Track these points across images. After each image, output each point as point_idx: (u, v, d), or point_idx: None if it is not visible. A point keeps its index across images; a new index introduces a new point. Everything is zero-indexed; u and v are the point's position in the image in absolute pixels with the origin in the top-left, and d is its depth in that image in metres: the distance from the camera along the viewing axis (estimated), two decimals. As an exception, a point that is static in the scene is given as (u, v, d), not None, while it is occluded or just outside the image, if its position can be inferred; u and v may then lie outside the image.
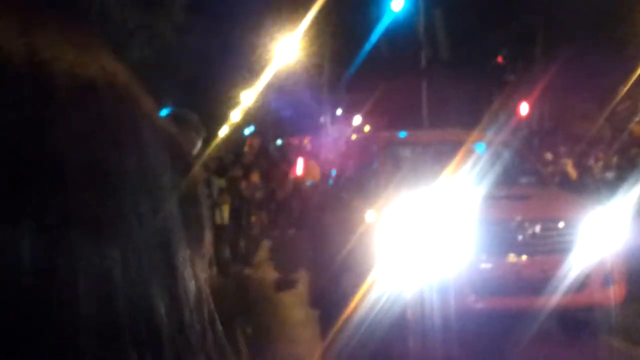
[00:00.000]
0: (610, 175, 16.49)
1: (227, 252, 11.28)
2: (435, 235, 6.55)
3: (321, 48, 27.78)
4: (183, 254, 0.45)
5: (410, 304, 6.51)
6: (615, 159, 17.80)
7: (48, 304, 0.38)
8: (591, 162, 18.11)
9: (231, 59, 25.96)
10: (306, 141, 25.97)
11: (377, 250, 7.03)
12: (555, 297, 6.30)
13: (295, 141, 27.20)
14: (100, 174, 0.41)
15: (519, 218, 6.49)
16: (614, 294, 6.52)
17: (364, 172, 8.28)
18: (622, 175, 15.80)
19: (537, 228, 6.46)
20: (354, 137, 10.43)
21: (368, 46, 24.50)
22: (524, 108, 22.48)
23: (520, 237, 6.47)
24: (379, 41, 23.19)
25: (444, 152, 8.04)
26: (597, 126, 23.31)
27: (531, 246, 6.46)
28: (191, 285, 0.46)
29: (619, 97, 22.73)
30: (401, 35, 21.88)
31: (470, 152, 8.17)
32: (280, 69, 25.32)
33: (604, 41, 22.64)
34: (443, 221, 6.56)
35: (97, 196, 0.41)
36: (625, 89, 22.07)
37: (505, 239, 6.45)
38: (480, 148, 8.21)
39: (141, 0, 18.08)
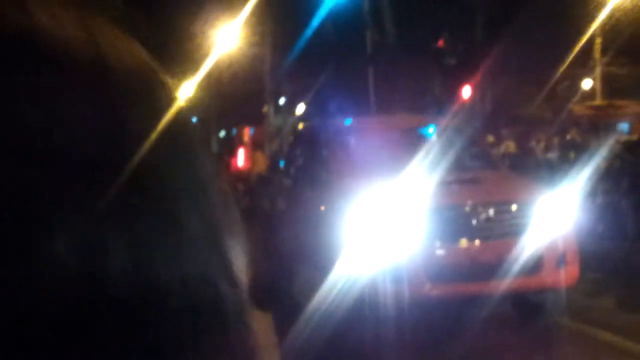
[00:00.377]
0: (552, 155, 16.71)
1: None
2: (389, 223, 6.46)
3: (262, 36, 27.48)
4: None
5: (365, 293, 6.42)
6: (556, 140, 18.03)
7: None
8: (533, 143, 18.35)
9: (170, 49, 25.47)
10: (246, 131, 25.64)
11: (331, 241, 6.92)
12: (509, 281, 6.29)
13: (238, 131, 26.92)
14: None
15: (471, 202, 6.43)
16: (566, 275, 6.54)
17: (314, 161, 8.14)
18: (563, 156, 16.04)
19: (490, 212, 6.42)
20: (300, 126, 10.26)
21: (310, 33, 24.33)
22: (466, 91, 22.63)
23: (473, 222, 6.42)
24: (323, 27, 23.02)
25: (394, 138, 7.95)
26: (537, 107, 23.68)
27: (485, 230, 6.42)
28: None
29: (557, 78, 23.10)
30: (346, 20, 21.75)
31: (418, 137, 8.12)
32: (220, 57, 24.97)
33: (543, 22, 22.90)
34: (396, 208, 6.48)
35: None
36: (563, 68, 22.42)
37: (458, 224, 6.40)
38: (428, 133, 8.16)
39: None
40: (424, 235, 6.39)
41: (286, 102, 30.27)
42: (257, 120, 28.97)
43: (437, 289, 6.38)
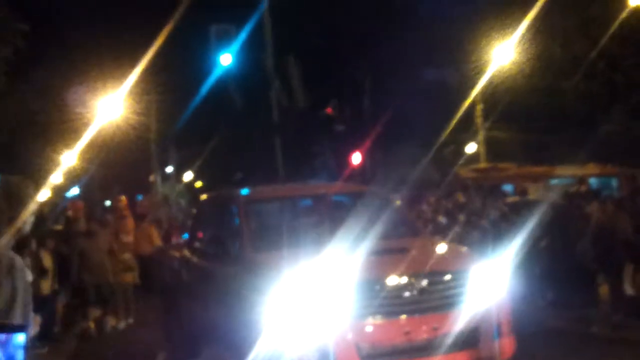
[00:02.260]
0: (441, 218, 16.57)
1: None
2: (313, 298, 5.85)
3: (148, 105, 26.65)
4: None
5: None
6: (444, 203, 18.00)
7: None
8: (424, 206, 18.27)
9: (50, 118, 24.24)
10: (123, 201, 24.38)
11: (247, 319, 6.23)
12: (447, 357, 5.79)
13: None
14: None
15: (403, 274, 5.92)
16: (503, 348, 6.11)
17: (222, 234, 7.44)
18: (452, 219, 15.96)
19: (424, 283, 5.93)
20: (204, 196, 9.54)
21: (197, 102, 23.78)
22: (356, 157, 22.54)
23: (406, 294, 5.90)
24: (214, 94, 22.47)
25: (310, 206, 7.42)
26: (425, 170, 23.89)
27: (419, 303, 5.90)
28: None
29: (443, 142, 23.41)
30: (239, 87, 21.31)
31: (335, 205, 7.62)
32: (104, 126, 23.96)
33: (428, 88, 23.34)
34: (320, 283, 5.88)
35: None
36: (446, 132, 22.75)
37: (390, 298, 5.86)
38: (344, 201, 7.68)
39: None
40: (353, 311, 5.82)
41: (174, 170, 29.36)
42: (143, 189, 27.89)
43: (370, 368, 5.79)
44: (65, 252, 10.96)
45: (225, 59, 21.23)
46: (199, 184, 32.22)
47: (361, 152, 22.76)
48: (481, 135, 24.36)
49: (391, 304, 5.90)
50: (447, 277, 6.08)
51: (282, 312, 5.85)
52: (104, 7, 25.14)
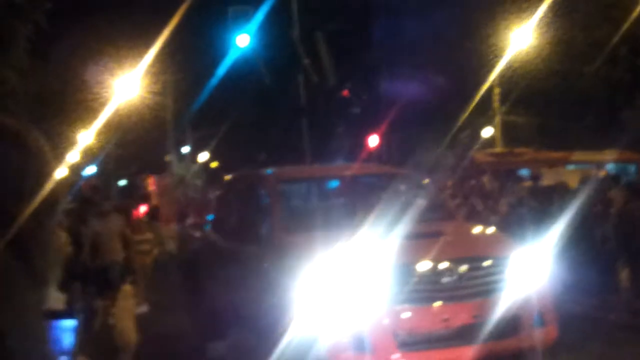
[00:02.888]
0: (457, 202, 16.25)
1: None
2: (348, 283, 5.57)
3: (164, 85, 26.37)
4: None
5: (325, 364, 5.48)
6: (459, 187, 17.70)
7: None
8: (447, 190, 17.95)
9: (68, 98, 24.00)
10: (151, 181, 24.14)
11: (276, 302, 5.96)
12: (485, 346, 5.50)
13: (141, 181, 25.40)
14: None
15: (441, 259, 5.62)
16: (544, 336, 5.82)
17: (251, 214, 7.14)
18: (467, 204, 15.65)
19: (463, 269, 5.63)
20: (228, 177, 9.21)
21: (214, 82, 23.46)
22: (373, 140, 22.21)
23: (444, 281, 5.60)
24: (248, 74, 22.06)
25: (341, 188, 7.11)
26: (439, 155, 23.53)
27: (458, 290, 5.61)
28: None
29: (459, 126, 23.05)
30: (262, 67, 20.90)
31: (367, 187, 7.32)
32: (121, 106, 23.74)
33: (445, 71, 22.94)
34: (355, 267, 5.60)
35: None
36: (463, 117, 22.39)
37: (428, 283, 5.56)
38: (375, 182, 7.38)
39: None
40: (389, 296, 5.53)
41: (190, 151, 29.05)
42: (159, 168, 27.63)
43: (406, 357, 5.51)
44: (79, 231, 10.66)
45: (242, 40, 20.90)
46: (214, 164, 31.94)
47: (378, 135, 22.43)
48: (498, 119, 23.94)
49: (429, 290, 5.61)
50: (487, 262, 5.77)
51: (315, 297, 5.57)
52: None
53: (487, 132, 24.89)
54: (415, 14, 24.06)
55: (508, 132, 23.87)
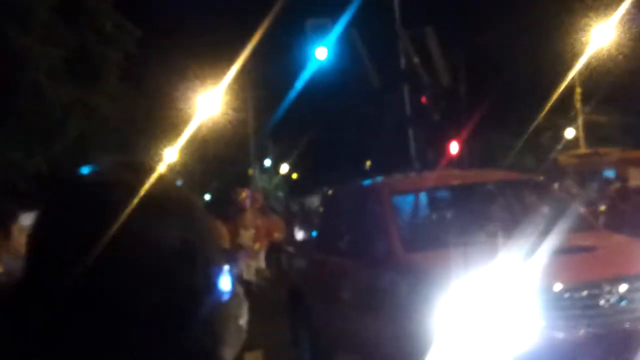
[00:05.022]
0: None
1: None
2: (493, 308, 4.68)
3: (245, 102, 25.98)
4: None
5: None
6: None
7: None
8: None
9: (155, 114, 23.85)
10: (244, 195, 23.51)
11: (409, 329, 5.11)
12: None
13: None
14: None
15: (596, 277, 4.68)
16: None
17: (363, 230, 6.29)
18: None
19: (623, 288, 4.67)
20: (329, 192, 8.38)
21: (293, 95, 22.88)
22: (454, 147, 21.12)
23: (602, 302, 4.66)
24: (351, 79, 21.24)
25: (466, 198, 6.21)
26: (518, 158, 22.32)
27: (618, 313, 4.66)
28: None
29: (540, 128, 21.83)
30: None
31: (491, 196, 6.39)
32: (203, 122, 23.50)
33: (524, 74, 21.74)
34: (500, 288, 4.71)
35: None
36: (540, 117, 21.14)
37: (584, 306, 4.64)
38: (498, 191, 6.45)
39: (75, 75, 16.28)
40: (539, 323, 4.62)
41: (272, 164, 28.53)
42: (241, 183, 27.23)
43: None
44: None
45: (321, 53, 20.17)
46: (294, 175, 31.37)
47: (458, 141, 21.32)
48: (580, 119, 22.55)
49: (585, 316, 4.67)
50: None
51: (454, 325, 4.70)
52: (203, 8, 24.57)
53: (570, 133, 23.51)
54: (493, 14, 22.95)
55: (591, 133, 22.46)
